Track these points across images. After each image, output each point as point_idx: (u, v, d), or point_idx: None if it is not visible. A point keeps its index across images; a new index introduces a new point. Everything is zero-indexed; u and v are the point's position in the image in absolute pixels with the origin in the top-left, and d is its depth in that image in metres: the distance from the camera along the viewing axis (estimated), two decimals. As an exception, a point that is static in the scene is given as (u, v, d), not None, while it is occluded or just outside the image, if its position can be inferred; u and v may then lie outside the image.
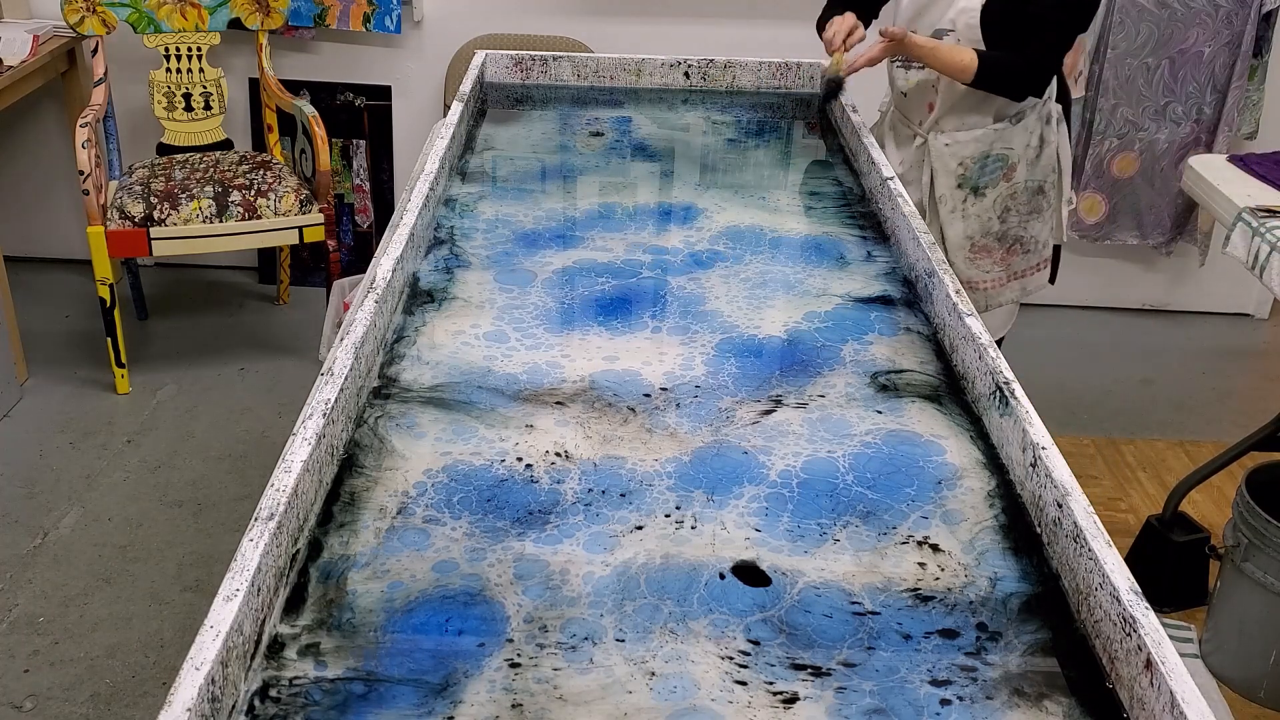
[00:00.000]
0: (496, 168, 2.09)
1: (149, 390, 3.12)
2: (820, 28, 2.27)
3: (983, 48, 2.13)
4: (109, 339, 3.03)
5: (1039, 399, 1.43)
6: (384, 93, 3.52)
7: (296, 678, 0.96)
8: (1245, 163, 2.33)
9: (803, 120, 2.44)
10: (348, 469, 1.23)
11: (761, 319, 1.59)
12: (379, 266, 1.54)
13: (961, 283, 2.16)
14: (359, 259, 3.64)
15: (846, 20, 2.21)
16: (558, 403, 1.37)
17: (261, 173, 3.11)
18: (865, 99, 2.37)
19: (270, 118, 3.36)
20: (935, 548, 1.16)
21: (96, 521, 2.60)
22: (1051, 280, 2.51)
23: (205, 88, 3.26)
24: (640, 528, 1.16)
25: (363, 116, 3.54)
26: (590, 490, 1.22)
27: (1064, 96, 2.36)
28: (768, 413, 1.37)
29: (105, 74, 3.13)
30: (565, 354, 1.48)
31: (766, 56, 2.54)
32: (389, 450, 1.27)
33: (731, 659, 1.00)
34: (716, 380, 1.43)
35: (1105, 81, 3.34)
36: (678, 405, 1.38)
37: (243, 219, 2.99)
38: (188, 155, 3.24)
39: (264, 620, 1.00)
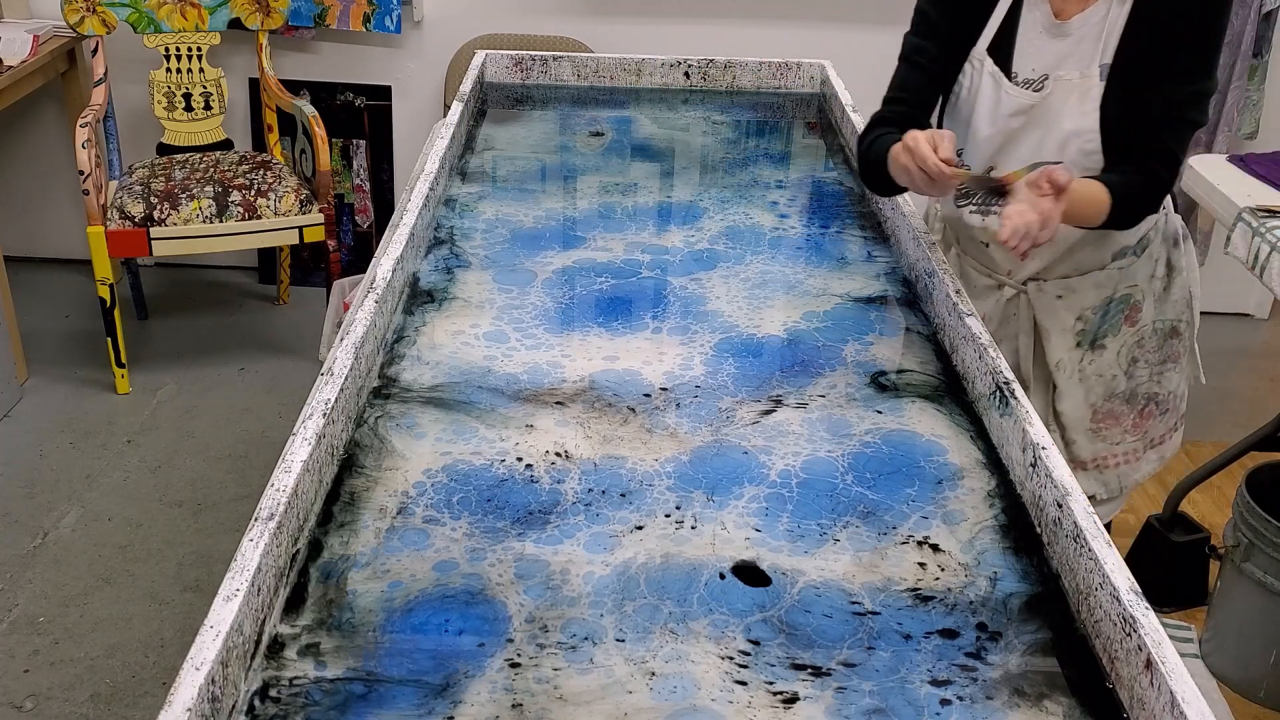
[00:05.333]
0: (496, 168, 2.09)
1: (149, 390, 3.12)
2: (872, 163, 1.67)
3: (1095, 170, 1.63)
4: (109, 339, 3.03)
5: (1039, 399, 1.43)
6: (384, 93, 3.52)
7: (296, 678, 0.96)
8: (1245, 163, 2.33)
9: (803, 120, 2.44)
10: (348, 469, 1.23)
11: (761, 319, 1.59)
12: (379, 266, 1.54)
13: (1084, 464, 1.84)
14: (359, 259, 3.64)
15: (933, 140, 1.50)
16: (558, 403, 1.37)
17: (261, 173, 3.11)
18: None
19: (270, 118, 3.36)
20: (935, 548, 1.16)
21: (96, 521, 2.60)
22: None
23: (205, 88, 3.26)
24: (640, 528, 1.16)
25: (363, 116, 3.54)
26: (590, 490, 1.22)
27: (1174, 200, 1.87)
28: (768, 413, 1.37)
29: (105, 74, 3.13)
30: (565, 354, 1.48)
31: (766, 56, 2.54)
32: (389, 450, 1.27)
33: (731, 659, 1.00)
34: (716, 380, 1.43)
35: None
36: (678, 405, 1.38)
37: (243, 219, 2.99)
38: (188, 155, 3.24)
39: (264, 620, 1.00)
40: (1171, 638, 0.95)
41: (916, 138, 1.48)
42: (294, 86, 3.45)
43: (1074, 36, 1.62)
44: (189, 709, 0.84)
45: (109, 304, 2.99)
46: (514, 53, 2.53)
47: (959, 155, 1.72)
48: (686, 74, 2.53)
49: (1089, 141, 1.62)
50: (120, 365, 3.07)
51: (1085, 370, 1.81)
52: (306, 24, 3.36)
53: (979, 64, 1.69)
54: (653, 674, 0.98)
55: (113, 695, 2.15)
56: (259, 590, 0.99)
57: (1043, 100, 1.64)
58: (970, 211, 1.77)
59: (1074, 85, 1.62)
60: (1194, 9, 1.55)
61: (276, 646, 0.99)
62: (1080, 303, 1.77)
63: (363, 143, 3.57)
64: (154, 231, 2.93)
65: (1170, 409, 1.91)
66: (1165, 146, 1.59)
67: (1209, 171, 2.31)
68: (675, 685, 0.97)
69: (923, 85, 1.72)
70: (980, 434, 1.35)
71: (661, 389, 1.41)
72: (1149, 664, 0.94)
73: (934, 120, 1.78)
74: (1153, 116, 1.58)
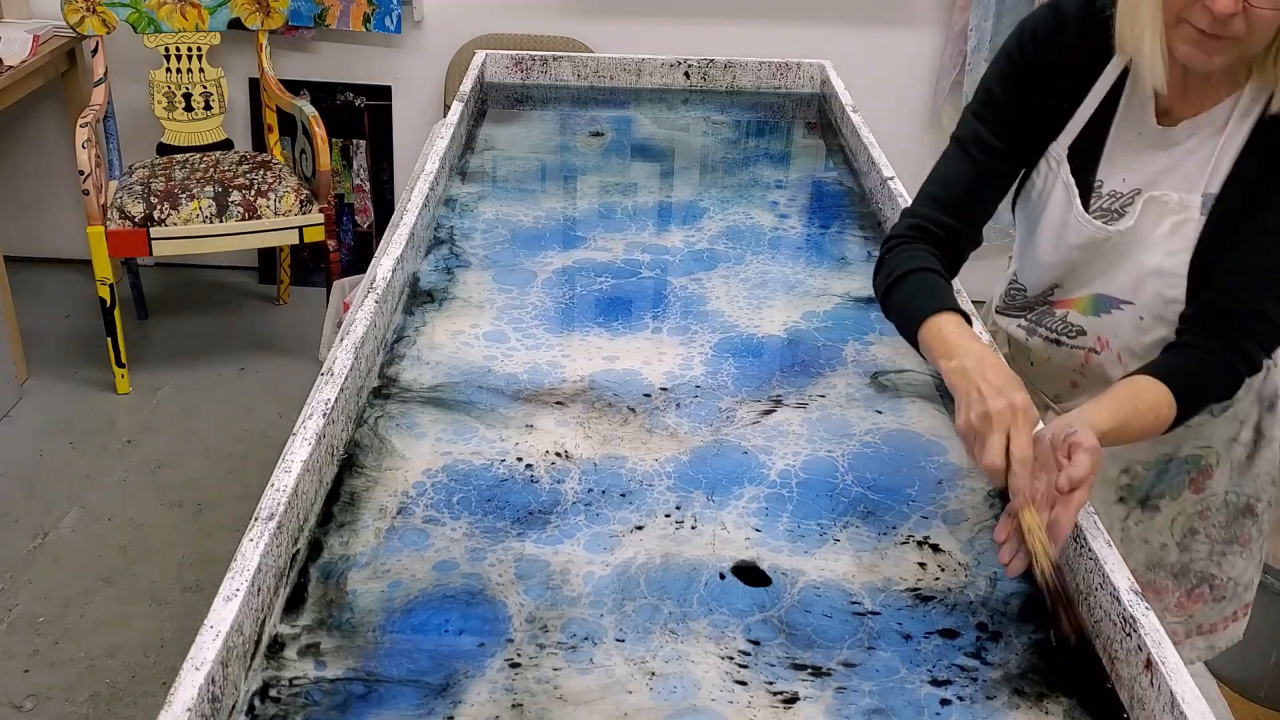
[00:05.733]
0: (496, 168, 2.09)
1: (149, 390, 3.12)
2: (897, 306, 1.32)
3: (1172, 319, 1.33)
4: (109, 339, 3.03)
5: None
6: (384, 93, 3.51)
7: (296, 678, 0.96)
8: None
9: (803, 120, 2.44)
10: (348, 469, 1.23)
11: (761, 319, 1.59)
12: (379, 266, 1.54)
13: None
14: (359, 259, 3.64)
15: (1016, 424, 1.09)
16: (558, 403, 1.37)
17: (261, 173, 3.11)
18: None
19: (270, 118, 3.36)
20: (935, 548, 1.16)
21: (96, 521, 2.60)
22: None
23: (205, 88, 3.26)
24: (640, 528, 1.16)
25: (363, 116, 3.54)
26: (590, 490, 1.22)
27: None
28: (768, 413, 1.37)
29: (105, 74, 3.12)
30: (565, 354, 1.48)
31: (766, 56, 2.54)
32: (389, 450, 1.27)
33: (731, 659, 1.00)
34: (716, 380, 1.43)
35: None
36: (678, 405, 1.38)
37: (243, 219, 2.99)
38: (188, 155, 3.24)
39: (264, 620, 1.00)
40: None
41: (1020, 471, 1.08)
42: (294, 86, 3.45)
43: (1181, 148, 1.29)
44: (189, 709, 0.84)
45: (109, 304, 2.98)
46: (514, 53, 2.53)
47: (1015, 275, 1.49)
48: (686, 74, 2.53)
49: (1172, 286, 1.30)
50: (120, 365, 3.07)
51: (1129, 530, 1.52)
52: (306, 24, 3.36)
53: (1055, 165, 1.37)
54: (653, 674, 0.98)
55: (113, 695, 2.15)
56: (259, 590, 0.99)
57: (1121, 235, 1.33)
58: (1017, 326, 1.51)
59: (1169, 209, 1.30)
60: None
61: (276, 646, 0.99)
62: (1130, 455, 1.46)
63: (363, 143, 3.57)
64: (154, 231, 2.93)
65: (1228, 597, 1.57)
66: (1266, 317, 1.24)
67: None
68: (675, 685, 0.97)
69: (974, 186, 1.37)
70: (980, 434, 1.35)
71: (661, 389, 1.41)
72: (1149, 664, 0.94)
73: (1009, 202, 1.47)
74: (1257, 273, 1.24)
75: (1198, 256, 1.28)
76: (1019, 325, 1.50)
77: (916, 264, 1.31)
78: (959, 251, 1.37)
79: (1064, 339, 1.44)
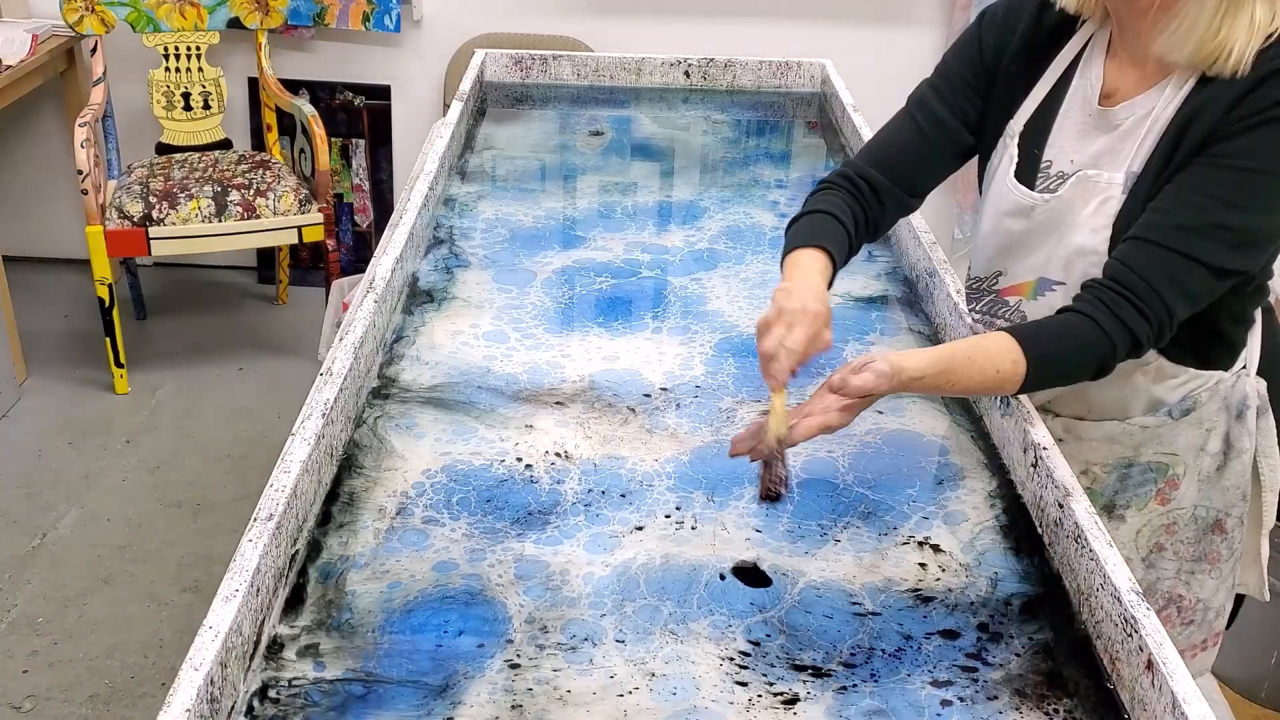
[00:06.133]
0: (496, 167, 2.09)
1: (148, 390, 3.11)
2: (785, 250, 1.34)
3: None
4: (108, 339, 3.02)
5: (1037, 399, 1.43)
6: (383, 92, 3.51)
7: (295, 678, 0.96)
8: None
9: (803, 120, 2.44)
10: (347, 469, 1.23)
11: (762, 319, 1.58)
12: (378, 266, 1.54)
13: None
14: (358, 259, 3.64)
15: (800, 322, 1.16)
16: (558, 403, 1.37)
17: (260, 172, 3.10)
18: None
19: (269, 117, 3.36)
20: (936, 548, 1.15)
21: (95, 522, 2.59)
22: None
23: (204, 87, 3.25)
24: (640, 528, 1.16)
25: (362, 116, 3.54)
26: (590, 490, 1.21)
27: (1273, 361, 1.42)
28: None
29: (104, 73, 3.12)
30: (565, 354, 1.48)
31: (766, 56, 2.54)
32: (388, 450, 1.26)
33: (732, 660, 1.00)
34: (716, 380, 1.43)
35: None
36: (678, 405, 1.37)
37: (241, 219, 2.99)
38: (187, 155, 3.23)
39: (263, 621, 1.00)
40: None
41: (775, 350, 1.15)
42: (293, 86, 3.44)
43: (1119, 130, 1.28)
44: (188, 710, 0.83)
45: (108, 304, 2.98)
46: (514, 52, 2.52)
47: (969, 272, 1.49)
48: (686, 73, 2.53)
49: (1096, 266, 1.26)
50: (119, 365, 3.06)
51: None
52: (305, 23, 3.36)
53: (1009, 141, 1.38)
54: (653, 675, 0.98)
55: (111, 696, 2.15)
56: (258, 591, 0.98)
57: (1046, 204, 1.32)
58: (974, 319, 1.47)
59: (1096, 190, 1.28)
60: (1258, 114, 1.16)
61: (275, 647, 0.99)
62: (1085, 454, 1.42)
63: (362, 142, 3.57)
64: (153, 231, 2.93)
65: (1196, 621, 1.49)
66: (1155, 294, 1.18)
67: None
68: (675, 686, 0.97)
69: (910, 146, 1.41)
70: (981, 434, 1.35)
71: (661, 389, 1.41)
72: (1150, 665, 0.94)
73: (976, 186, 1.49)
74: (1152, 249, 1.19)
75: (1117, 234, 1.26)
76: (974, 317, 1.48)
77: (819, 207, 1.36)
78: (881, 206, 1.40)
79: None
